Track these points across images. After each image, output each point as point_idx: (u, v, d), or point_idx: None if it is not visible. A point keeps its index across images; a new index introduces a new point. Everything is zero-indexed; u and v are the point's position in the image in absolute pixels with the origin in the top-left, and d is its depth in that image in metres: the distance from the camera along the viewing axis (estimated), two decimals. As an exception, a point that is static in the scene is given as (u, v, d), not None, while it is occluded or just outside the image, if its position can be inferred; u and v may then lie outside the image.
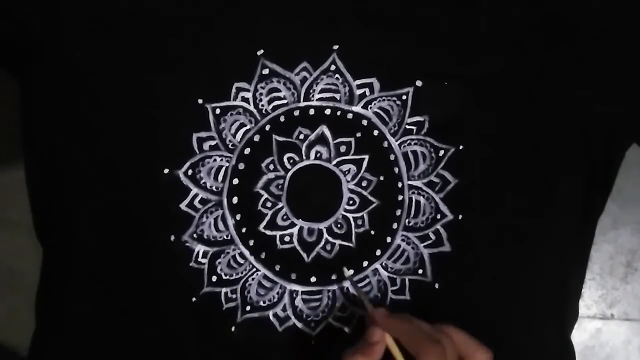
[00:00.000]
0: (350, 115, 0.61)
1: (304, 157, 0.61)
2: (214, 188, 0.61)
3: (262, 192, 0.61)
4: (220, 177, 0.61)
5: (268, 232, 0.61)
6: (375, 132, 0.62)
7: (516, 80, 0.62)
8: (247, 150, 0.61)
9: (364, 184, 0.61)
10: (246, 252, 0.61)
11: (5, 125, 0.75)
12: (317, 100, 0.61)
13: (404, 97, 0.61)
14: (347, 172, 0.61)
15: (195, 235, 0.61)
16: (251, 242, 0.61)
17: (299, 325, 0.62)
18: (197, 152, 0.61)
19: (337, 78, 0.61)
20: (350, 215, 0.62)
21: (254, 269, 0.61)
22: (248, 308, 0.62)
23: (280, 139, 0.61)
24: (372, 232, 0.62)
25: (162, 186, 0.61)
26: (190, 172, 0.61)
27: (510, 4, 0.62)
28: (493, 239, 0.63)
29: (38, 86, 0.63)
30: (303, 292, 0.62)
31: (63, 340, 0.66)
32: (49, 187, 0.64)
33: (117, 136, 0.61)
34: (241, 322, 0.62)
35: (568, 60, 0.62)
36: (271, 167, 0.61)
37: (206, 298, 0.61)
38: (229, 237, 0.61)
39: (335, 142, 0.61)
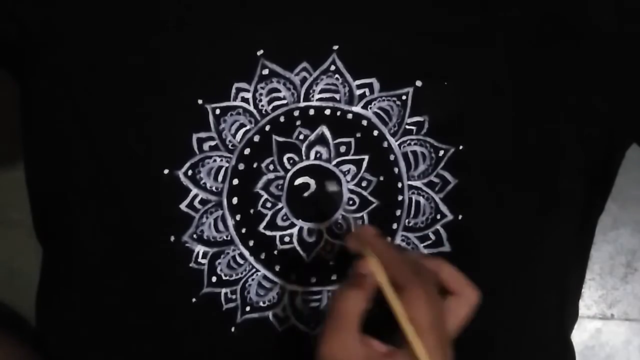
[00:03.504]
0: (350, 116, 0.61)
1: (304, 158, 0.61)
2: (213, 188, 0.61)
3: (262, 192, 0.61)
4: (220, 178, 0.61)
5: (268, 233, 0.61)
6: (375, 133, 0.62)
7: (516, 80, 0.62)
8: (247, 151, 0.61)
9: (364, 184, 0.61)
10: (246, 253, 0.61)
11: (5, 125, 0.75)
12: (317, 100, 0.61)
13: (404, 97, 0.61)
14: (347, 173, 0.61)
15: (195, 236, 0.61)
16: (251, 243, 0.61)
17: (299, 325, 0.62)
18: (197, 152, 0.61)
19: (337, 78, 0.61)
20: (350, 216, 0.62)
21: (254, 270, 0.61)
22: (248, 308, 0.62)
23: (280, 139, 0.61)
24: (372, 233, 0.62)
25: (162, 186, 0.61)
26: (190, 172, 0.61)
27: (510, 3, 0.62)
28: (493, 239, 0.63)
29: (38, 86, 0.63)
30: (303, 293, 0.62)
31: (63, 340, 0.66)
32: (49, 187, 0.64)
33: (117, 136, 0.61)
34: (241, 322, 0.62)
35: (567, 60, 0.62)
36: (271, 167, 0.61)
37: (206, 299, 0.61)
38: (228, 238, 0.61)
39: (335, 142, 0.61)
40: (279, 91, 0.61)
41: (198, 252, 0.61)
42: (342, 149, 0.61)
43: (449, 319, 0.53)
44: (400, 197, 0.62)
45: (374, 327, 0.51)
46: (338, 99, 0.61)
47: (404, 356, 0.50)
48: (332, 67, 0.61)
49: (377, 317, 0.52)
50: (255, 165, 0.61)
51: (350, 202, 0.62)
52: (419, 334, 0.49)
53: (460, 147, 0.62)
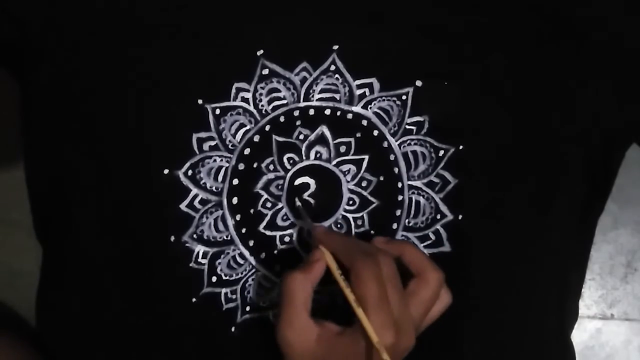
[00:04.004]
0: (350, 116, 0.61)
1: (304, 158, 0.61)
2: (213, 188, 0.61)
3: (262, 192, 0.61)
4: (220, 178, 0.61)
5: (268, 233, 0.61)
6: (375, 132, 0.62)
7: (516, 80, 0.62)
8: (247, 151, 0.61)
9: (364, 184, 0.61)
10: (246, 253, 0.61)
11: (5, 125, 0.75)
12: (317, 100, 0.61)
13: (404, 97, 0.61)
14: (347, 172, 0.61)
15: (195, 236, 0.61)
16: (251, 243, 0.61)
17: (299, 325, 0.62)
18: (197, 152, 0.61)
19: (337, 78, 0.61)
20: (350, 216, 0.62)
21: (254, 270, 0.61)
22: (248, 308, 0.62)
23: (280, 139, 0.61)
24: (372, 233, 0.62)
25: (162, 187, 0.61)
26: (190, 172, 0.61)
27: (510, 3, 0.62)
28: (493, 238, 0.63)
29: (38, 87, 0.63)
30: (303, 293, 0.61)
31: (63, 340, 0.66)
32: (49, 187, 0.64)
33: (117, 136, 0.61)
34: (241, 322, 0.62)
35: (567, 60, 0.62)
36: (271, 167, 0.61)
37: (206, 298, 0.61)
38: (228, 238, 0.61)
39: (335, 142, 0.61)
40: (279, 91, 0.61)
41: (198, 252, 0.61)
42: (342, 148, 0.61)
43: (413, 301, 0.54)
44: (400, 197, 0.62)
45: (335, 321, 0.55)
46: (338, 99, 0.61)
47: (354, 333, 0.52)
48: (332, 67, 0.61)
49: (337, 310, 0.56)
50: (255, 165, 0.61)
51: (350, 202, 0.62)
52: (367, 311, 0.51)
53: (460, 147, 0.62)
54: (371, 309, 0.51)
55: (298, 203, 0.60)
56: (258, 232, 0.61)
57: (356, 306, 0.52)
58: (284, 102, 0.61)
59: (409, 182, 0.62)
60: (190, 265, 0.61)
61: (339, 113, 0.61)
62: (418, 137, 0.62)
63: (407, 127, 0.62)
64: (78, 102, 0.62)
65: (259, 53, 0.61)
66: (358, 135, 0.61)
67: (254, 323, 0.61)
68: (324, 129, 0.61)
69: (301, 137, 0.61)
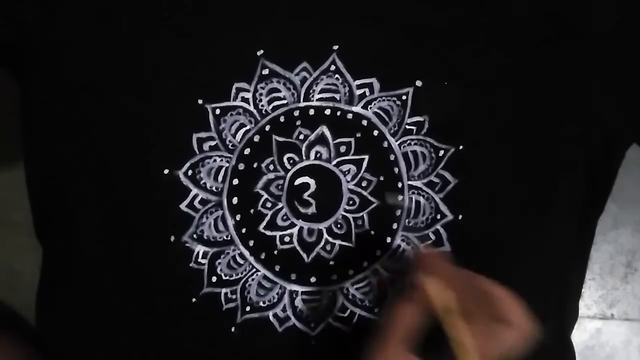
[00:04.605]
0: (350, 116, 0.61)
1: (304, 158, 0.61)
2: (213, 188, 0.61)
3: (262, 192, 0.61)
4: (220, 178, 0.61)
5: (268, 233, 0.61)
6: (375, 132, 0.62)
7: (516, 80, 0.62)
8: (247, 151, 0.61)
9: (364, 184, 0.61)
10: (246, 253, 0.61)
11: (5, 126, 0.75)
12: (317, 100, 0.61)
13: (404, 97, 0.61)
14: (347, 172, 0.61)
15: (195, 236, 0.61)
16: (251, 243, 0.61)
17: (299, 325, 0.62)
18: (197, 152, 0.61)
19: (337, 78, 0.61)
20: (350, 216, 0.62)
21: (254, 270, 0.61)
22: (248, 308, 0.62)
23: (280, 139, 0.61)
24: (372, 233, 0.62)
25: (162, 187, 0.60)
26: (190, 172, 0.61)
27: (511, 3, 0.62)
28: (493, 238, 0.63)
29: (38, 87, 0.63)
30: (303, 293, 0.62)
31: (63, 340, 0.66)
32: (49, 187, 0.64)
33: (117, 136, 0.61)
34: (241, 322, 0.62)
35: (567, 60, 0.62)
36: (271, 167, 0.61)
37: (206, 298, 0.61)
38: (228, 238, 0.61)
39: (335, 142, 0.61)
40: (279, 91, 0.61)
41: (198, 252, 0.61)
42: (342, 148, 0.61)
43: (494, 343, 0.53)
44: (400, 197, 0.62)
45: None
46: (338, 99, 0.61)
47: None
48: (332, 67, 0.61)
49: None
50: (255, 165, 0.61)
51: (350, 202, 0.62)
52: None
53: (460, 147, 0.62)
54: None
55: (393, 200, 0.59)
56: (258, 232, 0.61)
57: (463, 353, 0.50)
58: (284, 102, 0.61)
59: (409, 182, 0.62)
60: (190, 265, 0.61)
61: (339, 113, 0.61)
62: (418, 137, 0.62)
63: (407, 127, 0.62)
64: (78, 102, 0.62)
65: (259, 53, 0.61)
66: (358, 135, 0.61)
67: (254, 323, 0.61)
68: (324, 129, 0.61)
69: (301, 137, 0.61)
